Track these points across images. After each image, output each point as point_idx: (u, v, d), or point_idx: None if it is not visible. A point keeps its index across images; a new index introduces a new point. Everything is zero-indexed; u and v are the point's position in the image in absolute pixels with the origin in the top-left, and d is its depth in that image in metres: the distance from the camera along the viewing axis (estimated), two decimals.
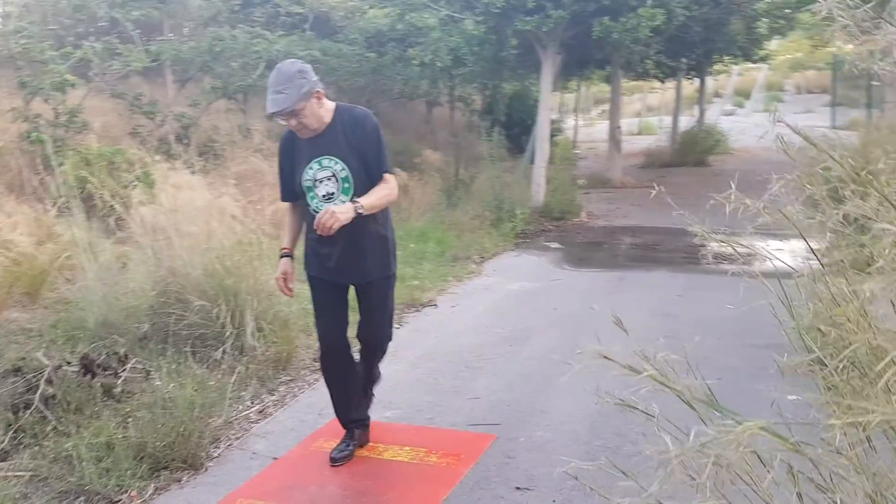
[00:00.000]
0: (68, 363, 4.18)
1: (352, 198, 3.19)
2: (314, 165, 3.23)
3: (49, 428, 3.70)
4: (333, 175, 3.22)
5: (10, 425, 3.70)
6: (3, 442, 3.58)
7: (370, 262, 3.33)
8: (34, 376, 4.09)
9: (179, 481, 3.34)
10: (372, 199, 3.17)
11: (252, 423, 4.02)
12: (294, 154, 3.33)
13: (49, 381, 3.99)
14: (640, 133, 24.01)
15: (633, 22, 9.13)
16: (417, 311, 6.14)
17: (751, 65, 23.05)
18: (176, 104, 10.56)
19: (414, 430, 3.80)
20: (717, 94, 29.49)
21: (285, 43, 10.12)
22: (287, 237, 3.50)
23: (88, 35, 9.70)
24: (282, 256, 3.45)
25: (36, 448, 3.54)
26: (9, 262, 5.44)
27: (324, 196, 3.23)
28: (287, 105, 3.05)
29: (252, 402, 4.26)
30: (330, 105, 3.26)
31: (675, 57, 15.42)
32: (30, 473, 3.31)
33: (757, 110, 27.29)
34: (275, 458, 3.54)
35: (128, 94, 9.74)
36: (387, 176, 3.26)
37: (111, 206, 6.09)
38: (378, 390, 4.15)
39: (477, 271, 7.60)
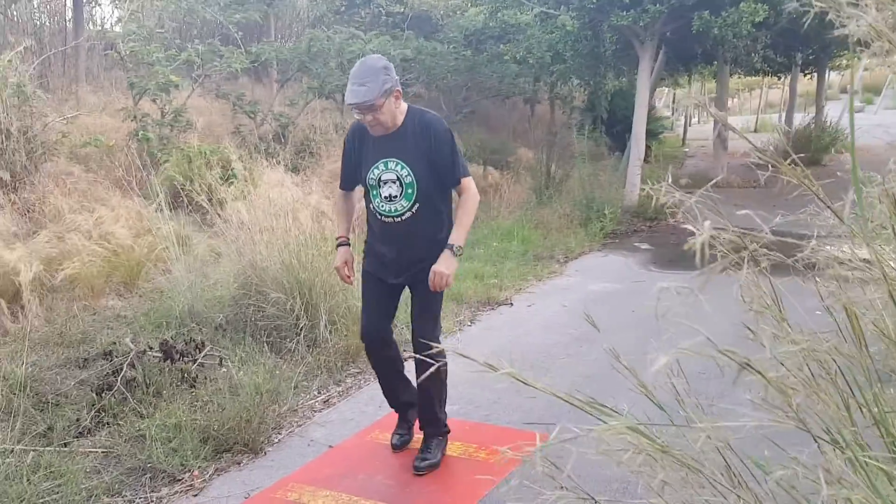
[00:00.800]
0: (151, 349, 4.43)
1: (413, 203, 3.22)
2: (381, 166, 3.23)
3: (128, 409, 3.93)
4: (398, 179, 3.22)
5: (94, 405, 3.97)
6: (86, 420, 3.85)
7: (424, 264, 3.28)
8: (121, 360, 4.37)
9: (239, 464, 3.50)
10: (462, 231, 3.22)
11: (315, 411, 4.14)
12: (362, 148, 3.32)
13: (132, 366, 4.25)
14: (756, 130, 23.07)
15: (735, 17, 8.79)
16: (492, 309, 6.15)
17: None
18: (276, 104, 10.98)
19: (469, 425, 3.82)
20: (843, 91, 27.95)
21: (378, 42, 10.33)
22: (343, 225, 3.55)
23: (193, 38, 10.19)
24: (339, 245, 3.49)
25: (114, 427, 3.78)
26: (108, 254, 5.80)
27: (386, 197, 3.24)
28: (368, 98, 3.03)
29: (318, 392, 4.39)
30: (403, 107, 3.25)
31: (787, 52, 14.74)
32: (104, 450, 3.54)
33: (889, 107, 25.71)
34: (330, 447, 3.64)
35: (231, 95, 10.20)
36: (464, 182, 3.25)
37: (206, 201, 6.40)
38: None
39: (559, 271, 7.53)
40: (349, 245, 3.50)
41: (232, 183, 7.29)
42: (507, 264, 7.48)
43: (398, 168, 3.22)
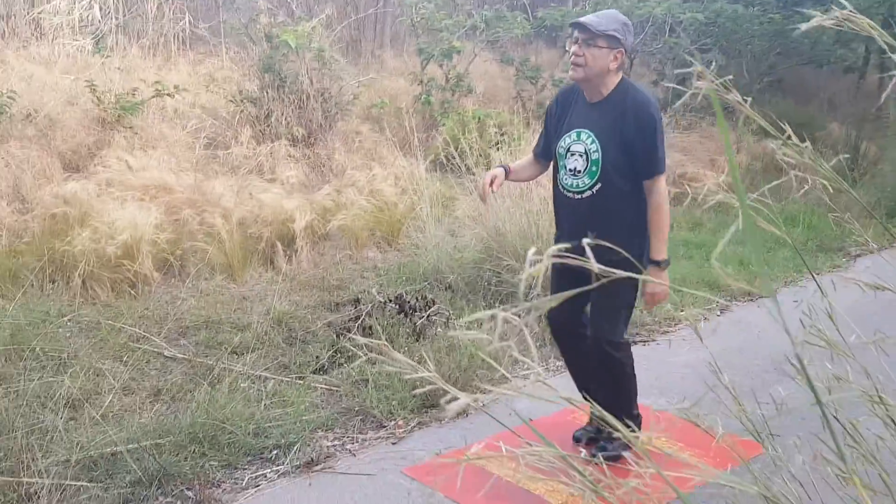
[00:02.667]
0: (390, 301, 4.77)
1: (595, 182, 3.02)
2: (573, 135, 3.08)
3: (359, 353, 4.30)
4: (585, 153, 3.04)
5: (333, 346, 4.39)
6: (323, 359, 4.28)
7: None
8: (364, 308, 4.77)
9: (440, 421, 3.66)
10: (662, 241, 2.99)
11: (530, 381, 4.18)
12: (563, 115, 3.18)
13: (370, 315, 4.62)
14: None
15: None
16: (752, 300, 5.68)
17: None
18: (559, 70, 10.99)
19: (680, 423, 3.60)
20: None
21: (667, 6, 9.83)
22: (516, 164, 3.40)
23: (483, 4, 10.52)
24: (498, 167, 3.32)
25: (344, 368, 4.16)
26: (374, 209, 6.31)
27: (570, 170, 3.07)
28: (591, 24, 2.90)
29: (539, 363, 4.41)
30: (616, 79, 3.04)
31: None
32: (329, 388, 3.92)
33: None
34: (530, 419, 3.66)
35: (515, 60, 10.42)
36: (656, 179, 2.99)
37: (473, 165, 6.68)
38: (661, 375, 4.01)
39: (844, 266, 6.72)
40: (507, 173, 3.26)
41: (500, 148, 7.50)
42: (782, 252, 6.84)
43: (588, 141, 3.03)
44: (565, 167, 3.11)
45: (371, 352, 4.31)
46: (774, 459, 1.27)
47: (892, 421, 1.25)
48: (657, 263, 2.98)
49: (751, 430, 1.36)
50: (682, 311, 5.30)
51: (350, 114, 8.21)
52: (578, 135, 3.08)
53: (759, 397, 4.00)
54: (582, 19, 2.95)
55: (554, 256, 3.01)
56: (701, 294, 5.57)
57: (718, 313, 5.43)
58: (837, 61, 14.09)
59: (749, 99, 1.24)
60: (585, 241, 1.04)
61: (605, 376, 3.20)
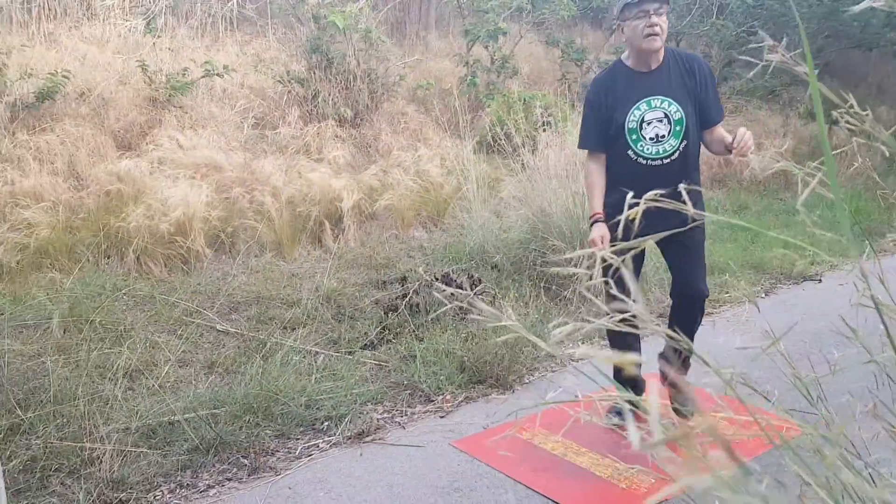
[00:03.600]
0: (436, 279, 4.83)
1: (681, 141, 3.11)
2: (642, 106, 3.12)
3: (407, 330, 4.36)
4: (666, 116, 3.11)
5: (381, 322, 4.47)
6: (371, 335, 4.35)
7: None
8: (411, 286, 4.83)
9: (487, 396, 3.72)
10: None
11: (573, 361, 4.21)
12: (613, 96, 3.18)
13: (416, 292, 4.68)
14: None
15: None
16: (796, 283, 5.63)
17: None
18: (604, 52, 10.89)
19: (725, 400, 3.60)
20: None
21: None
22: (597, 200, 3.19)
23: None
24: (594, 223, 3.14)
25: (392, 344, 4.23)
26: (420, 189, 6.37)
27: (652, 139, 3.12)
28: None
29: (581, 343, 4.44)
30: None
31: None
32: (378, 363, 3.99)
33: None
34: (576, 396, 3.69)
35: (560, 42, 10.35)
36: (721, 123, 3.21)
37: (519, 146, 6.69)
38: (714, 356, 4.01)
39: (892, 250, 6.59)
40: (605, 222, 3.14)
41: (545, 129, 7.49)
42: (828, 235, 6.73)
43: (664, 105, 3.10)
44: (642, 138, 3.13)
45: (457, 301, 4.38)
46: (827, 420, 1.29)
47: None
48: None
49: (804, 394, 1.37)
50: (727, 293, 5.27)
51: (396, 95, 8.25)
52: (649, 103, 3.12)
53: (809, 370, 3.98)
54: None
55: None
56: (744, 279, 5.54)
57: (763, 295, 5.38)
58: (887, 45, 13.72)
59: (817, 70, 1.25)
60: (682, 186, 1.09)
61: (693, 331, 3.28)
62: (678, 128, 3.11)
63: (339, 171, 6.34)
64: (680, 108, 3.10)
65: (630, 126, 3.14)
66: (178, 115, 6.96)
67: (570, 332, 0.98)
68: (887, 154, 1.33)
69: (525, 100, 8.42)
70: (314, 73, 7.62)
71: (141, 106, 7.00)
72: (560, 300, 4.90)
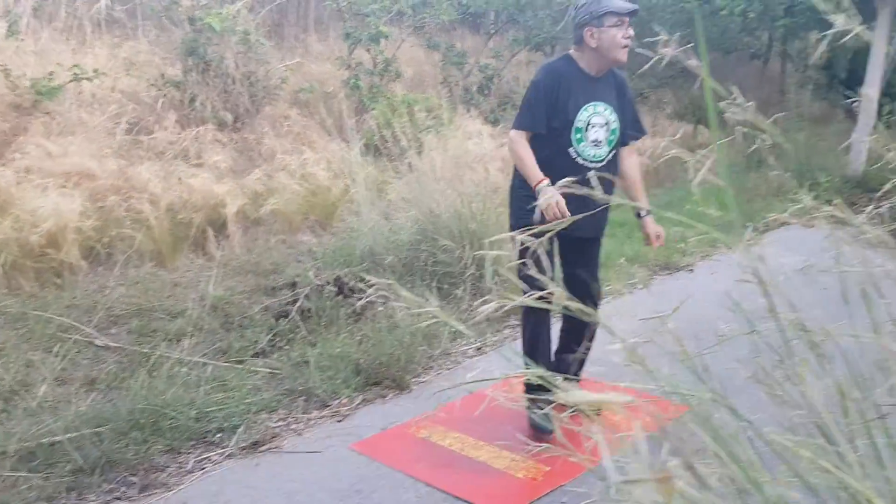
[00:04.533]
0: (328, 283, 4.78)
1: (611, 150, 3.27)
2: (590, 108, 3.18)
3: (299, 336, 4.30)
4: (606, 123, 3.21)
5: (272, 329, 4.38)
6: (262, 343, 4.26)
7: (603, 216, 3.47)
8: (301, 291, 4.76)
9: (384, 397, 3.72)
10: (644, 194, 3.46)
11: (467, 358, 4.27)
12: (570, 88, 3.19)
13: (308, 297, 4.62)
14: None
15: None
16: (670, 274, 5.93)
17: None
18: (484, 55, 11.10)
19: (606, 387, 3.75)
20: None
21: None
22: (536, 168, 3.15)
23: None
24: (539, 189, 3.10)
25: (284, 351, 4.16)
26: (307, 193, 6.28)
27: (593, 141, 3.21)
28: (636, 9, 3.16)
29: (475, 340, 4.51)
30: None
31: None
32: (270, 370, 3.91)
33: None
34: (470, 392, 3.75)
35: (441, 45, 10.46)
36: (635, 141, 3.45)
37: (403, 148, 6.72)
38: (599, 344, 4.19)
39: (754, 240, 7.04)
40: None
41: (430, 132, 7.56)
42: (693, 230, 7.12)
43: (607, 113, 3.21)
44: (586, 139, 3.20)
45: (311, 334, 4.34)
46: (715, 396, 1.38)
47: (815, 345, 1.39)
48: (651, 213, 3.37)
49: (698, 374, 1.46)
50: (608, 285, 5.48)
51: (278, 98, 8.11)
52: (596, 107, 3.19)
53: (696, 348, 4.21)
54: (634, 8, 3.14)
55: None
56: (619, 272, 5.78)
57: (641, 286, 5.63)
58: (744, 48, 14.69)
59: (683, 72, 1.34)
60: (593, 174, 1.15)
61: (584, 335, 3.34)
62: (612, 137, 3.24)
63: (222, 176, 6.17)
64: (617, 119, 3.23)
65: (578, 125, 3.19)
66: (45, 121, 6.57)
67: (493, 310, 1.00)
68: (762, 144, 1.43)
69: (409, 103, 8.47)
70: (191, 76, 7.38)
71: (4, 113, 6.57)
72: (452, 298, 4.95)
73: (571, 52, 3.28)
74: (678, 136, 9.46)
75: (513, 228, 3.37)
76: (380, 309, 4.50)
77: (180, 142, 6.81)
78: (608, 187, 3.22)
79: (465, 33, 13.24)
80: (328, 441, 3.30)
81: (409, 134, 7.04)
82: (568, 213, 3.19)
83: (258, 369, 3.92)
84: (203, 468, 3.11)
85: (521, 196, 3.30)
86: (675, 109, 11.81)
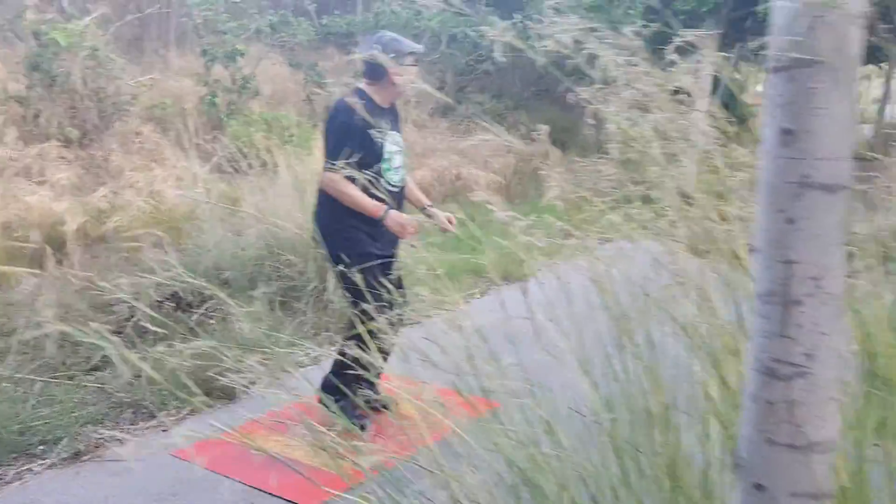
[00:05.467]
0: (166, 299, 4.87)
1: (403, 172, 3.63)
2: (393, 136, 3.50)
3: (133, 351, 4.37)
4: (401, 150, 3.55)
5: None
6: (96, 358, 4.31)
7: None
8: (139, 307, 4.82)
9: (212, 406, 3.86)
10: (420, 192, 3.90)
11: (301, 367, 4.47)
12: (367, 123, 3.27)
13: (144, 313, 4.69)
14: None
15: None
16: (509, 283, 6.33)
17: None
18: (346, 75, 11.34)
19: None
20: None
21: (441, 19, 10.50)
22: (370, 199, 3.29)
23: (268, 8, 10.65)
24: (386, 214, 3.34)
25: (116, 368, 4.22)
26: (154, 210, 6.31)
27: (396, 167, 3.52)
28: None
29: (311, 350, 4.71)
30: None
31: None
32: (99, 385, 3.99)
33: None
34: (297, 399, 3.95)
35: (302, 64, 10.62)
36: None
37: (259, 165, 6.87)
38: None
39: (590, 251, 7.59)
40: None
41: (285, 149, 7.71)
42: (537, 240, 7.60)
43: (399, 139, 3.55)
44: (391, 167, 3.50)
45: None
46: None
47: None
48: (431, 205, 3.84)
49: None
50: (445, 297, 5.81)
51: (129, 114, 8.04)
52: (393, 136, 3.50)
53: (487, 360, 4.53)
54: (421, 51, 3.55)
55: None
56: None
57: (479, 296, 6.01)
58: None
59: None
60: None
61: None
62: (404, 160, 3.59)
63: (64, 193, 6.11)
64: (403, 143, 3.57)
65: (385, 156, 3.44)
66: None
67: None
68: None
69: (267, 120, 8.60)
70: (35, 91, 7.24)
71: None
72: (294, 312, 5.14)
73: (363, 86, 3.49)
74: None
75: (346, 260, 3.26)
76: (212, 323, 4.64)
77: (22, 159, 6.67)
78: (402, 206, 3.58)
79: (332, 52, 13.45)
80: (151, 450, 3.43)
81: (264, 150, 7.21)
82: (417, 226, 3.57)
83: (89, 384, 3.99)
84: (22, 479, 3.18)
85: (348, 227, 3.45)
86: (529, 129, 12.40)
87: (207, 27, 9.10)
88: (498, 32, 1.41)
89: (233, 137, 8.09)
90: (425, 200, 3.78)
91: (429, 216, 3.70)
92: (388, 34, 3.55)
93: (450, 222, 3.66)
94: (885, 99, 16.28)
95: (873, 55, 15.45)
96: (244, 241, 5.88)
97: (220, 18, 8.99)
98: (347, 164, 3.31)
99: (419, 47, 3.52)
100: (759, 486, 0.92)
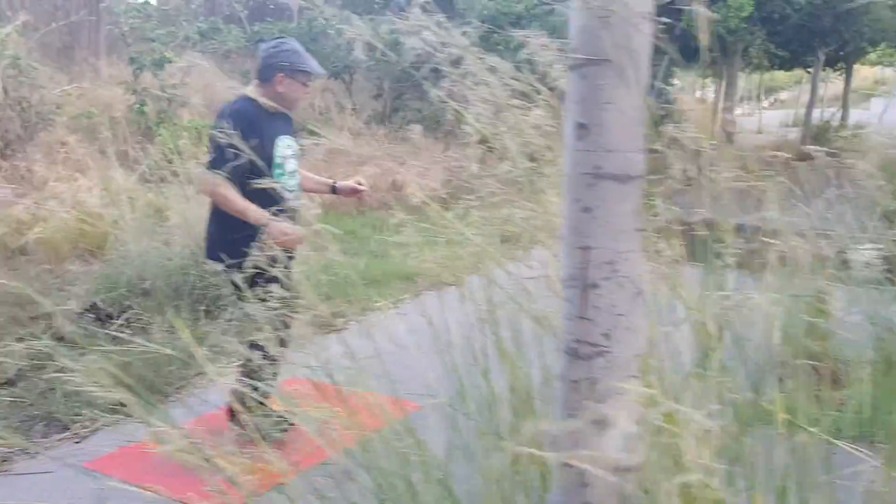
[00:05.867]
0: (86, 310, 4.79)
1: (298, 176, 3.57)
2: (285, 140, 3.38)
3: (51, 364, 4.29)
4: (294, 155, 3.46)
5: (22, 358, 4.34)
6: (12, 372, 4.22)
7: None
8: (59, 320, 4.73)
9: (128, 417, 3.81)
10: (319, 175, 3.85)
11: (224, 377, 4.44)
12: (261, 129, 3.24)
13: (64, 326, 4.61)
14: (794, 125, 22.51)
15: (723, 12, 8.78)
16: (437, 291, 6.39)
17: None
18: None
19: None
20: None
21: (370, 28, 10.52)
22: (255, 207, 3.19)
23: (199, 15, 10.56)
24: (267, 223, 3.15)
25: (33, 380, 4.15)
26: (77, 221, 6.19)
27: (291, 172, 3.44)
28: None
29: (238, 360, 4.68)
30: None
31: (805, 47, 14.48)
32: (12, 399, 3.91)
33: None
34: (218, 407, 3.93)
35: (235, 72, 10.55)
36: None
37: (188, 173, 6.79)
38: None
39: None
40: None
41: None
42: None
43: (294, 145, 3.47)
44: (285, 172, 3.40)
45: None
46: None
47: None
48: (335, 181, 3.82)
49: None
50: (377, 301, 5.84)
51: (54, 124, 7.88)
52: (286, 141, 3.41)
53: (419, 368, 4.58)
54: (322, 72, 3.53)
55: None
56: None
57: (409, 300, 6.05)
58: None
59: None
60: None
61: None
62: (298, 163, 3.52)
63: None
64: (297, 147, 3.49)
65: (276, 161, 3.35)
66: None
67: None
68: None
69: (197, 128, 8.51)
70: None
71: None
72: (220, 321, 5.09)
73: (250, 89, 3.38)
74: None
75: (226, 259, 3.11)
76: (131, 333, 4.58)
77: None
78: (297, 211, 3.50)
79: None
80: (63, 462, 3.37)
81: (192, 159, 7.13)
82: (301, 235, 3.51)
83: (2, 399, 3.90)
84: None
85: (239, 239, 3.29)
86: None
87: (135, 35, 8.97)
88: (356, 31, 1.46)
89: (161, 146, 7.98)
90: (329, 181, 3.75)
91: (340, 191, 3.73)
92: (294, 45, 3.42)
93: (360, 184, 3.70)
94: (811, 102, 16.85)
95: (801, 60, 16.02)
96: (170, 251, 5.82)
97: (148, 26, 8.88)
98: (236, 168, 3.09)
99: (319, 71, 3.43)
100: (566, 464, 0.97)
